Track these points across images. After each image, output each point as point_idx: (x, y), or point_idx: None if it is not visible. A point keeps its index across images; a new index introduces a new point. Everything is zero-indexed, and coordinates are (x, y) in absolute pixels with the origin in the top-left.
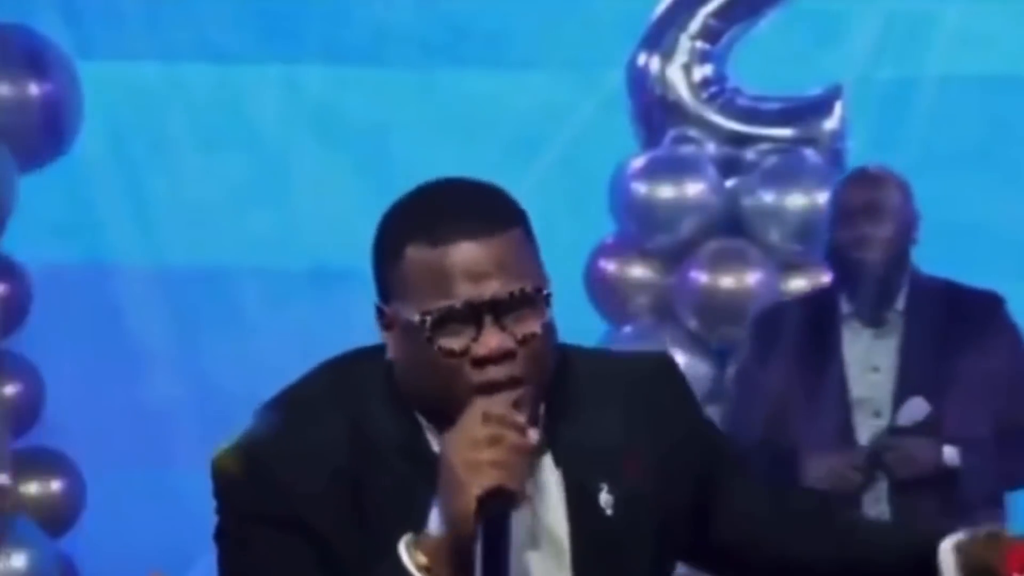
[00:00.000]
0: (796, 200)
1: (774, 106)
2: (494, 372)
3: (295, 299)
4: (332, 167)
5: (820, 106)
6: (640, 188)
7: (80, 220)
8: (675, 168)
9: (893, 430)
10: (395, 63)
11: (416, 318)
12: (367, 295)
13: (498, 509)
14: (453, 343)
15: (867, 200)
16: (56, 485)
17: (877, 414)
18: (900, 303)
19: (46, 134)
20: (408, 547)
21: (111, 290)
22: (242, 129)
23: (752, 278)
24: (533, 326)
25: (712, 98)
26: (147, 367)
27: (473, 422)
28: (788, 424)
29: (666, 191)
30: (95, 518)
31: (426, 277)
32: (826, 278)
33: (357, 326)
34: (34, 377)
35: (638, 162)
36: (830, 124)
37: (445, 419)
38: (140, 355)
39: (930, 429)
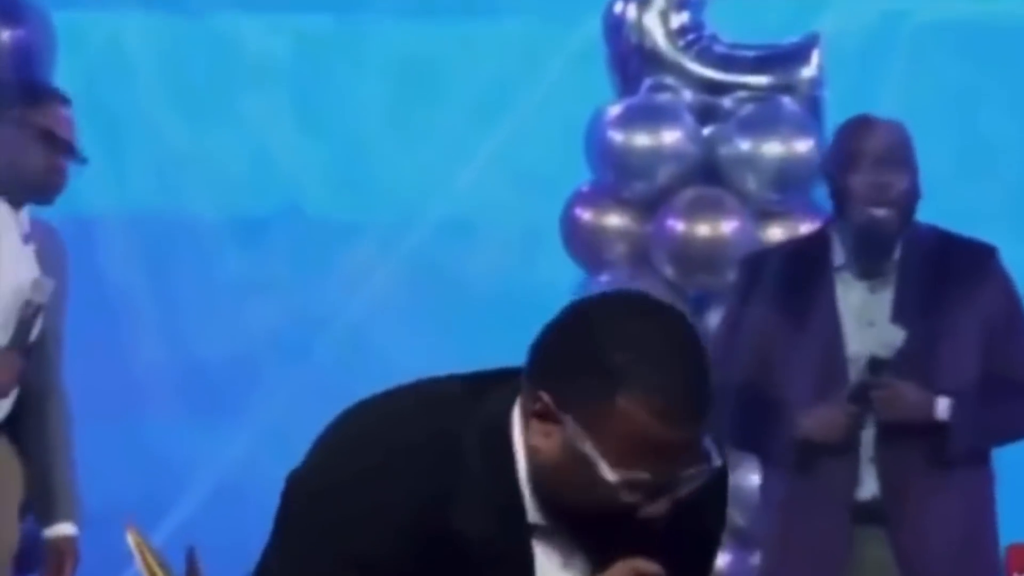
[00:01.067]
0: (773, 148)
1: (751, 54)
2: (652, 526)
3: (268, 244)
4: (304, 115)
5: (797, 54)
6: (616, 136)
7: None
8: (652, 116)
9: (874, 361)
10: (367, 10)
11: (609, 476)
12: (342, 242)
13: None
14: (630, 498)
15: (885, 147)
16: None
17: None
18: (896, 254)
19: (18, 79)
20: None
21: (84, 240)
22: (216, 75)
23: (728, 226)
24: (692, 490)
25: (689, 46)
26: (120, 317)
27: None
28: (773, 372)
29: (642, 139)
30: None
31: (635, 439)
32: (803, 227)
33: (331, 273)
34: None
35: (614, 110)
36: (807, 72)
37: (571, 519)
38: (113, 305)
39: (912, 363)
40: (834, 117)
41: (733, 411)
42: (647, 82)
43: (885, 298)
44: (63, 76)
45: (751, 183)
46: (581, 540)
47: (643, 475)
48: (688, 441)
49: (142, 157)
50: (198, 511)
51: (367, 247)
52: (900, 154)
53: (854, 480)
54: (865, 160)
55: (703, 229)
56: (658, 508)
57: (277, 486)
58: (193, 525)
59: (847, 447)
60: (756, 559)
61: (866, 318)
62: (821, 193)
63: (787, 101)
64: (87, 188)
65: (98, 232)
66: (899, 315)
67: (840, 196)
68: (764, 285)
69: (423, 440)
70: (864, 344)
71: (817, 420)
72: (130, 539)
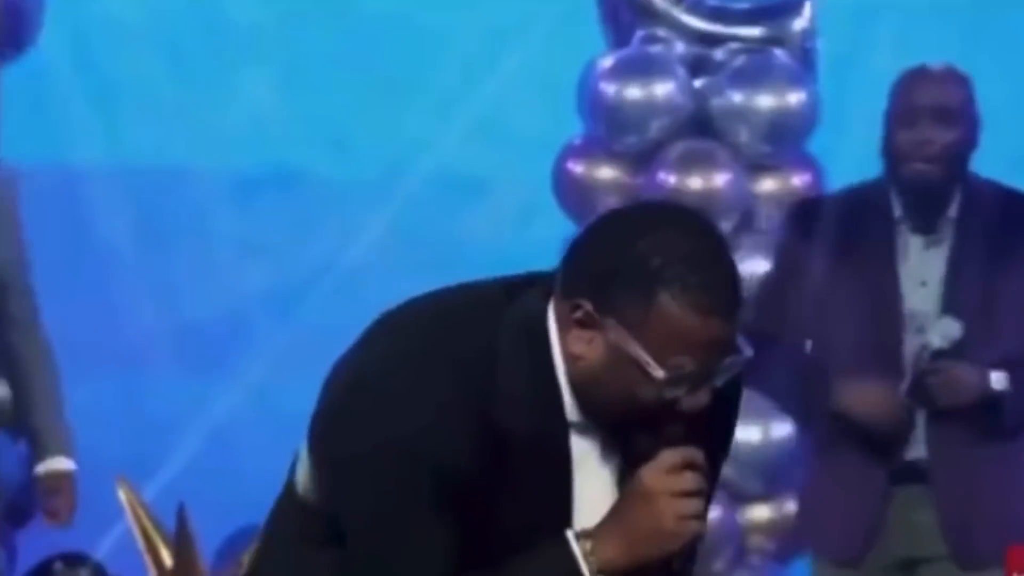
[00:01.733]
0: (765, 100)
1: (743, 5)
2: (691, 418)
3: (260, 203)
4: (295, 74)
5: (789, 5)
6: (608, 89)
7: (43, 121)
8: (643, 68)
9: (933, 354)
10: None
11: (658, 373)
12: (333, 200)
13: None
14: (674, 392)
15: (931, 102)
16: None
17: (920, 330)
18: (953, 211)
19: (5, 31)
20: (580, 543)
21: (75, 192)
22: (207, 33)
23: (721, 179)
24: (725, 382)
25: None
26: (112, 269)
27: (675, 469)
28: (822, 324)
29: (634, 92)
30: None
31: (677, 335)
32: (795, 179)
33: (322, 232)
34: None
35: (606, 62)
36: (800, 23)
37: (612, 418)
38: (106, 257)
39: (967, 327)
40: (827, 69)
41: (776, 363)
42: (639, 34)
43: (940, 256)
44: (56, 34)
45: (743, 135)
46: (620, 437)
47: (688, 369)
48: (727, 333)
49: (136, 116)
50: (189, 467)
51: (359, 206)
52: (949, 107)
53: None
54: (910, 114)
55: (695, 182)
56: (699, 400)
57: (267, 442)
58: (184, 481)
59: (897, 435)
60: (747, 513)
61: (919, 276)
62: (814, 145)
63: (779, 53)
64: (80, 145)
65: (92, 189)
66: (954, 274)
67: (887, 150)
68: (817, 233)
69: (469, 342)
70: (915, 302)
71: (864, 403)
72: (121, 494)
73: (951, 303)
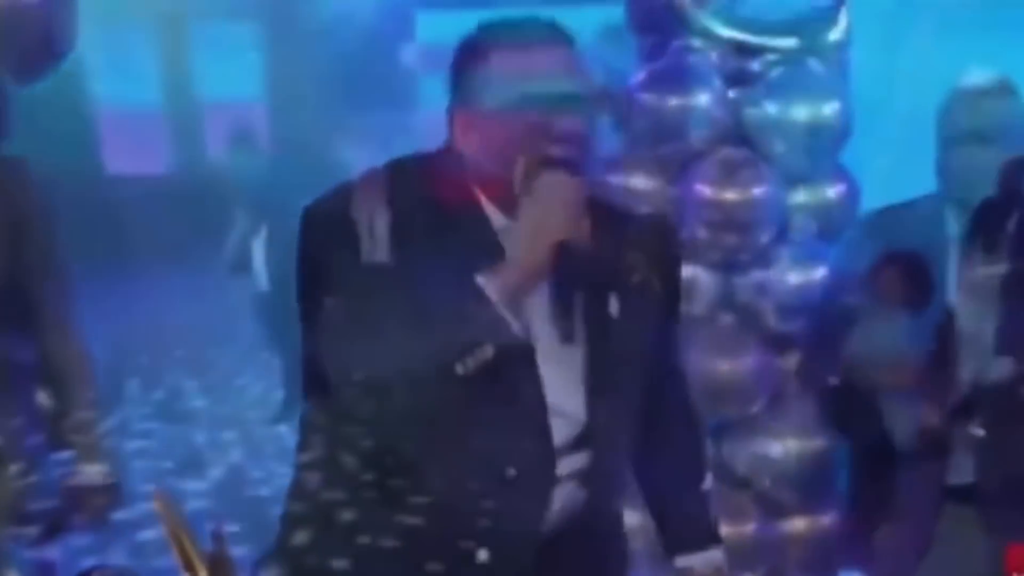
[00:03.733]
0: (801, 111)
1: (779, 16)
2: (566, 149)
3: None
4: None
5: (824, 16)
6: (645, 99)
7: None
8: (679, 79)
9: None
10: None
11: (512, 97)
12: None
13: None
14: (540, 109)
15: (978, 124)
16: None
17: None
18: (1011, 226)
19: (41, 46)
20: (487, 278)
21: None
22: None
23: (757, 190)
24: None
25: (716, 8)
26: (163, 272)
27: (548, 192)
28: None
29: (671, 102)
30: None
31: (511, 69)
32: (830, 191)
33: None
34: None
35: (642, 73)
36: (834, 34)
37: (505, 189)
38: (156, 259)
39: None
40: (859, 77)
41: (826, 381)
42: (674, 45)
43: (995, 274)
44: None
45: (779, 146)
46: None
47: (534, 88)
48: (551, 60)
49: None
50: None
51: None
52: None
53: (946, 467)
54: (961, 135)
55: (731, 193)
56: (567, 122)
57: None
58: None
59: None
60: (783, 527)
61: (975, 293)
62: (847, 156)
63: (814, 64)
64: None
65: (125, 188)
66: (1008, 293)
67: (941, 170)
68: (876, 244)
69: (402, 162)
70: (971, 322)
71: (913, 423)
72: (158, 508)
73: (1008, 321)
